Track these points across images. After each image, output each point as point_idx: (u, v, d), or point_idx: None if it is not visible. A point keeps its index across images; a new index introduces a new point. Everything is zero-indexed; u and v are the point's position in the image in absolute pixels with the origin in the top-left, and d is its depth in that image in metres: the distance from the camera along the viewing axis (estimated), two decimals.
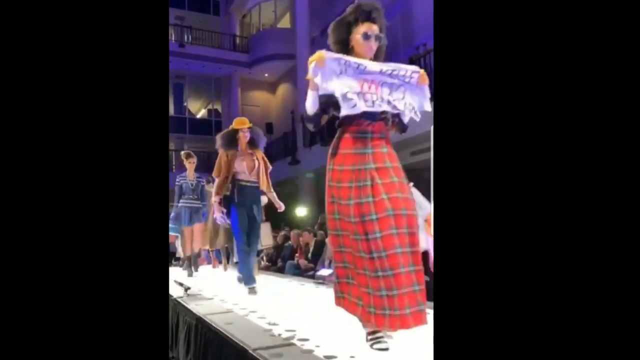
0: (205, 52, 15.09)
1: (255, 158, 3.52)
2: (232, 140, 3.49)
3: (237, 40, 16.09)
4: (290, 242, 6.42)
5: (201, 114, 17.81)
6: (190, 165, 5.14)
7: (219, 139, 3.53)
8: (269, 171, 3.63)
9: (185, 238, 5.23)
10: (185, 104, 16.55)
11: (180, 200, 5.14)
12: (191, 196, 5.11)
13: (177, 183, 5.13)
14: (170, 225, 5.45)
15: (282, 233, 7.18)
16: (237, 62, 15.47)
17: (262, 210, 3.61)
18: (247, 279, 3.41)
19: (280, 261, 6.23)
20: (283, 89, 15.91)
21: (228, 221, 3.50)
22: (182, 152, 5.21)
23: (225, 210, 3.43)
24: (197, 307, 2.80)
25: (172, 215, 5.09)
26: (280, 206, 3.68)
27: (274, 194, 3.65)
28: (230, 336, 2.01)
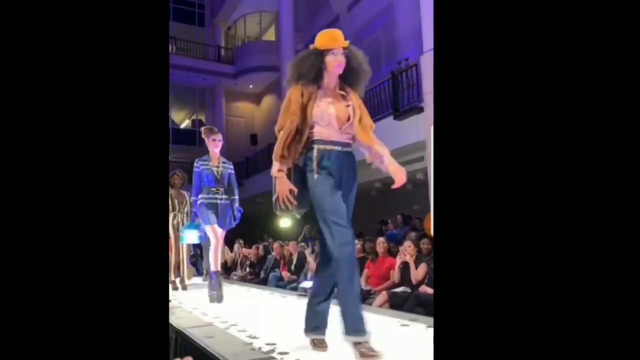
0: (189, 63, 15.07)
1: (349, 104, 1.92)
2: (314, 69, 1.89)
3: (222, 52, 16.12)
4: (273, 254, 6.40)
5: (185, 124, 17.71)
6: (213, 144, 3.65)
7: (292, 66, 1.98)
8: (372, 130, 1.99)
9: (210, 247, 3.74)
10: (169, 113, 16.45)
11: (201, 195, 3.58)
12: (215, 188, 3.58)
13: (195, 170, 3.64)
14: (186, 230, 4.34)
15: (263, 244, 7.14)
16: (222, 73, 15.49)
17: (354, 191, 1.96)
18: (356, 323, 1.77)
19: (263, 273, 6.20)
20: (267, 100, 15.95)
21: (296, 214, 1.97)
22: (204, 128, 3.80)
23: (296, 191, 1.85)
24: (177, 320, 2.77)
25: (192, 215, 3.82)
26: (401, 177, 1.87)
27: (388, 155, 1.92)
28: (210, 350, 2.00)
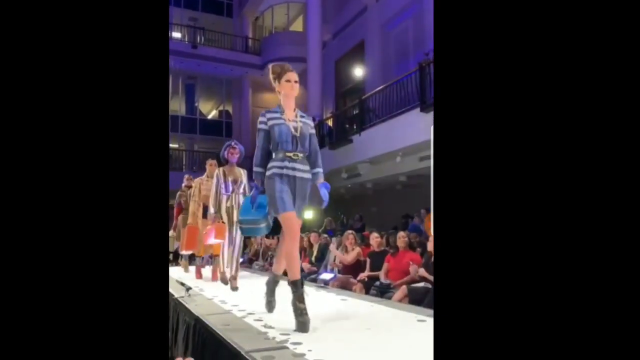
0: (217, 54, 15.22)
1: None
2: None
3: (249, 43, 16.20)
4: None
5: (212, 114, 17.94)
6: (288, 87, 2.41)
7: None
8: None
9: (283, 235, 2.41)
10: (196, 104, 16.69)
11: (272, 163, 2.35)
12: (292, 153, 2.32)
13: (261, 126, 2.41)
14: (249, 215, 2.38)
15: None
16: (249, 64, 15.57)
17: None
18: None
19: None
20: None
21: None
22: (272, 66, 2.54)
23: None
24: (197, 308, 2.82)
25: (252, 192, 2.46)
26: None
27: None
28: (225, 338, 2.02)
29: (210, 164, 4.73)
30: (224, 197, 3.90)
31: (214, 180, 3.98)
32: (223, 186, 3.90)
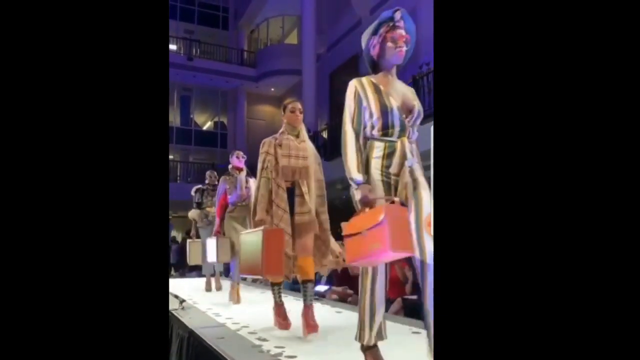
0: (213, 66, 15.29)
1: None
2: None
3: (245, 55, 16.31)
4: None
5: (207, 126, 17.96)
6: None
7: None
8: None
9: None
10: (191, 116, 16.72)
11: None
12: None
13: None
14: None
15: None
16: (244, 76, 15.66)
17: None
18: None
19: None
20: None
21: None
22: None
23: None
24: (190, 320, 2.80)
25: None
26: None
27: None
28: (219, 351, 2.00)
29: (293, 108, 2.69)
30: (378, 148, 1.77)
31: (349, 107, 1.77)
32: (375, 118, 1.75)
